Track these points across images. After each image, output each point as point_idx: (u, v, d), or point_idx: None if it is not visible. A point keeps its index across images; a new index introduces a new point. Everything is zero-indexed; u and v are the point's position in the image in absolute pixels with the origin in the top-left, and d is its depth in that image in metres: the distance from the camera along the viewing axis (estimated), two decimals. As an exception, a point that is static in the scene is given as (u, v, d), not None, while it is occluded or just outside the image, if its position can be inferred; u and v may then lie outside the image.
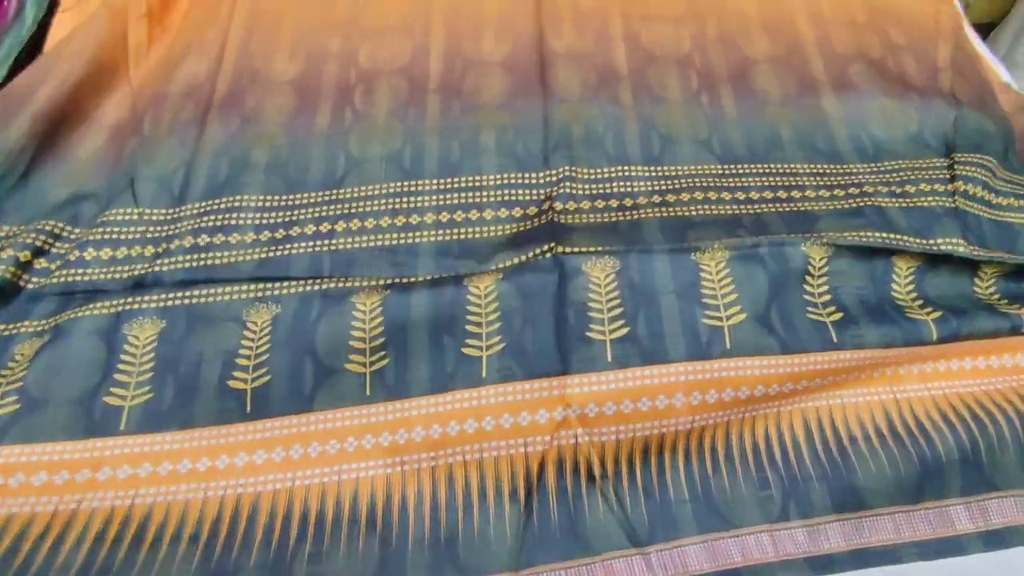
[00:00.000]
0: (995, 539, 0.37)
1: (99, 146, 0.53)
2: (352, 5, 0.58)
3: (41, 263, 0.48)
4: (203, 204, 0.50)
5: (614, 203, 0.50)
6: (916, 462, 0.38)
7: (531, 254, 0.45)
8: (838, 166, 0.52)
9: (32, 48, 0.84)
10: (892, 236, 0.45)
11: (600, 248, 0.44)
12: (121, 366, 0.42)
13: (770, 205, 0.48)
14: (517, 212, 0.50)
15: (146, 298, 0.44)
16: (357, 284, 0.45)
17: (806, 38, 0.57)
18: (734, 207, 0.48)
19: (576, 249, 0.44)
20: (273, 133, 0.53)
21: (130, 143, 0.53)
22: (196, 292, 0.45)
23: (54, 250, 0.48)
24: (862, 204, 0.48)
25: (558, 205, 0.49)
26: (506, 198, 0.50)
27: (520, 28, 0.57)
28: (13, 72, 0.97)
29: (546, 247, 0.45)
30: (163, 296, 0.44)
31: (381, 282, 0.45)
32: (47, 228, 0.48)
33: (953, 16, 0.60)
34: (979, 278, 0.46)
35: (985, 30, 1.27)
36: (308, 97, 0.54)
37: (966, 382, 0.41)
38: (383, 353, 0.42)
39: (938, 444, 0.39)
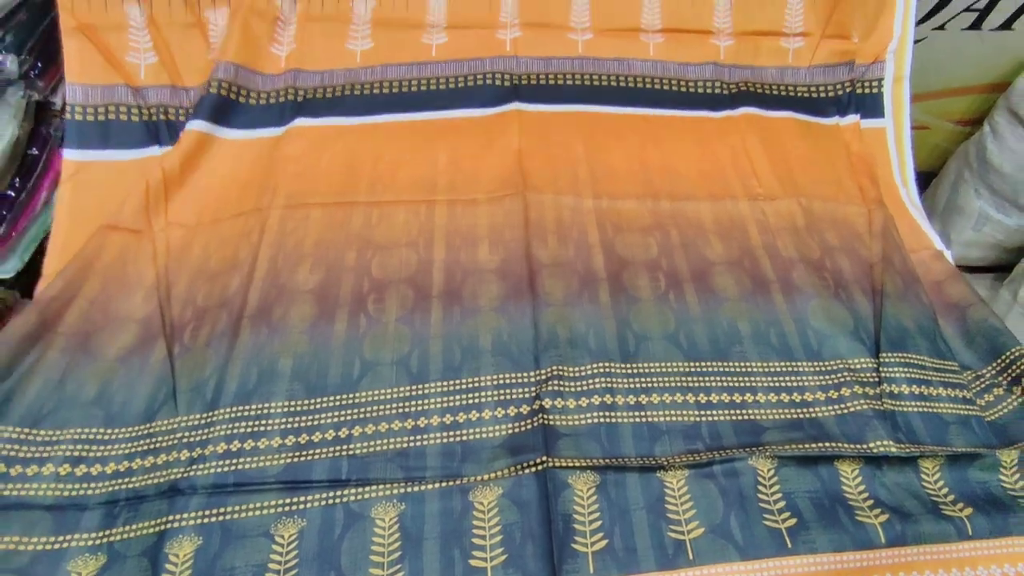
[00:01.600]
0: None
1: (129, 344, 0.60)
2: (365, 223, 0.67)
3: (82, 469, 0.53)
4: (234, 410, 0.56)
5: (596, 400, 0.58)
6: None
7: (525, 465, 0.52)
8: (788, 363, 0.60)
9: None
10: (829, 445, 0.52)
11: (584, 462, 0.52)
12: (164, 585, 0.46)
13: (726, 411, 0.56)
14: (512, 411, 0.57)
15: (185, 515, 0.50)
16: (374, 495, 0.51)
17: (755, 243, 0.67)
18: (696, 413, 0.56)
19: (564, 463, 0.52)
20: (297, 340, 0.60)
21: (159, 344, 0.59)
22: (229, 508, 0.51)
23: (91, 454, 0.53)
24: (801, 417, 0.56)
25: (547, 403, 0.57)
26: (502, 398, 0.58)
27: (510, 239, 0.66)
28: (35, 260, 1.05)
29: (538, 460, 0.52)
30: (201, 512, 0.50)
31: (396, 490, 0.52)
32: (84, 436, 0.54)
33: (884, 215, 0.70)
34: (924, 473, 0.53)
35: (926, 178, 1.42)
36: (327, 305, 0.63)
37: None
38: (399, 567, 0.48)
39: None
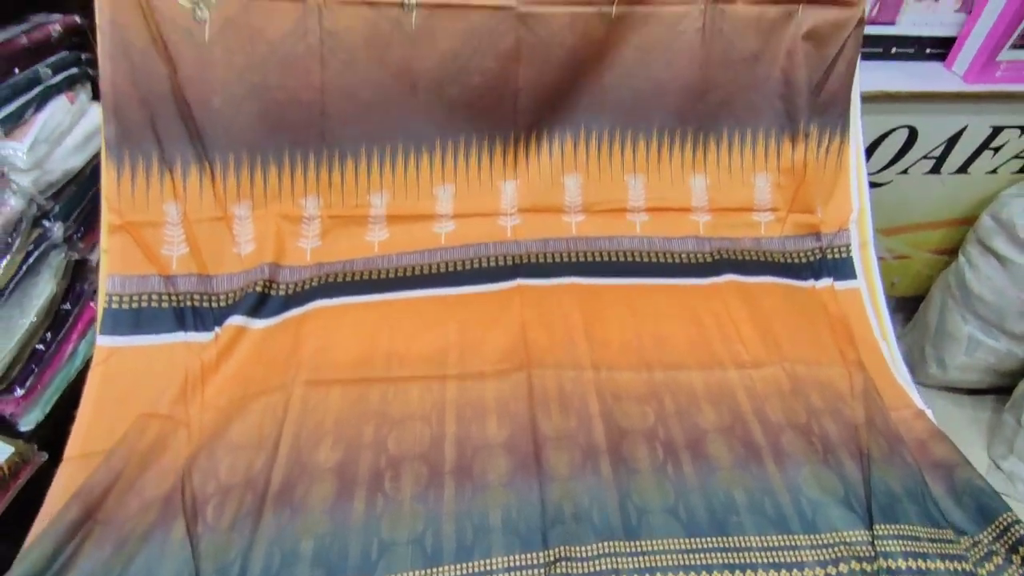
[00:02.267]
0: None
1: (151, 520, 0.63)
2: (382, 399, 0.73)
3: None
4: None
5: None
6: None
7: None
8: (785, 537, 0.62)
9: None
10: None
11: None
12: None
13: None
14: None
15: None
16: None
17: (745, 409, 0.72)
18: None
19: None
20: (318, 521, 0.64)
21: (179, 522, 0.62)
22: None
23: None
24: None
25: (556, 586, 0.59)
26: None
27: (516, 412, 0.71)
28: (56, 410, 1.09)
29: None
30: None
31: None
32: None
33: (864, 378, 0.75)
34: None
35: (912, 304, 1.50)
36: (346, 483, 0.67)
37: None
38: None
39: None
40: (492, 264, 0.86)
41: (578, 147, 0.90)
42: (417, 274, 0.86)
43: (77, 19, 1.01)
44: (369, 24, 0.80)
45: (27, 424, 1.05)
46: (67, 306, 1.17)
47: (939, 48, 1.21)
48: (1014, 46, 1.13)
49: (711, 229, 0.89)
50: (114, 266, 0.78)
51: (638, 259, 0.87)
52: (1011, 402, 1.32)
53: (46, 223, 1.09)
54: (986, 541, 0.64)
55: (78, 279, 1.19)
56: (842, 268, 0.87)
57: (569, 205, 0.91)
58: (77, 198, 1.16)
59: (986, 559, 0.62)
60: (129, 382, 0.74)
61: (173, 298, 0.78)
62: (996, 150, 1.26)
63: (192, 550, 0.61)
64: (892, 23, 1.18)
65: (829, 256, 0.88)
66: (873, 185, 1.29)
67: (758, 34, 0.86)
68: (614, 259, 0.87)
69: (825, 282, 0.86)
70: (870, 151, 1.25)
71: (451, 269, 0.86)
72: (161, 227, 0.81)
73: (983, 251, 1.30)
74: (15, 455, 0.99)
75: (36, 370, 1.08)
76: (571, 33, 0.83)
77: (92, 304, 1.19)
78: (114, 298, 0.76)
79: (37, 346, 1.09)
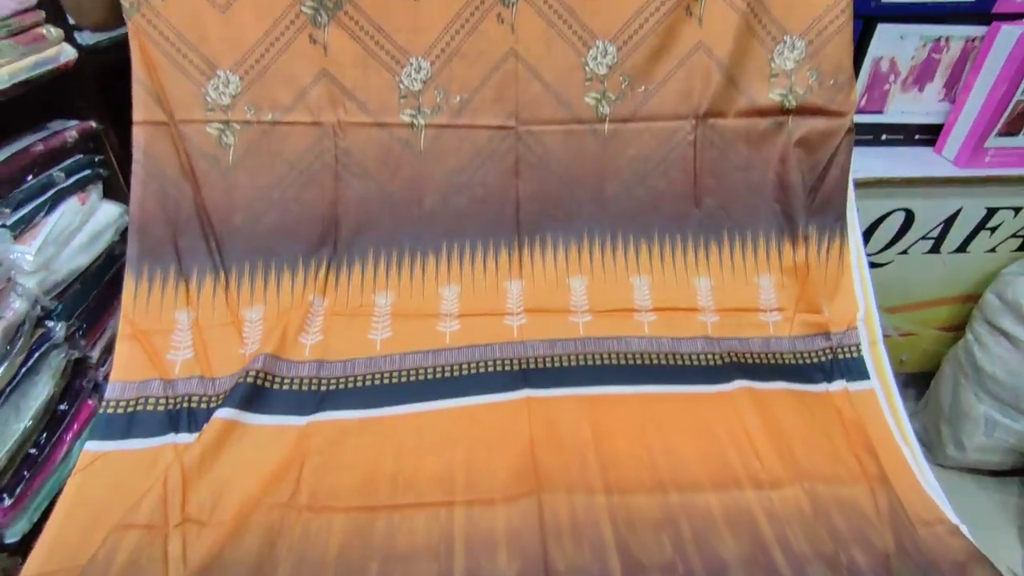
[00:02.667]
0: None
1: None
2: (387, 530, 0.69)
3: None
4: None
5: None
6: None
7: None
8: None
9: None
10: None
11: None
12: None
13: None
14: None
15: None
16: None
17: (766, 535, 0.68)
18: None
19: None
20: None
21: None
22: None
23: None
24: None
25: None
26: None
27: (527, 544, 0.67)
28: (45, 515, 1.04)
29: None
30: None
31: None
32: None
33: (889, 495, 0.71)
34: None
35: (921, 380, 1.47)
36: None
37: None
38: None
39: None
40: (499, 368, 0.84)
41: (582, 251, 0.92)
42: (421, 379, 0.84)
43: (93, 124, 1.04)
44: (381, 144, 0.85)
45: (13, 536, 1.00)
46: (64, 406, 1.13)
47: (927, 135, 1.25)
48: (1000, 133, 1.16)
49: (719, 329, 0.89)
50: (117, 374, 0.77)
51: (647, 362, 0.85)
52: (1038, 487, 1.27)
53: (49, 323, 1.07)
54: None
55: (77, 376, 1.16)
56: (855, 368, 0.85)
57: (575, 306, 0.90)
58: (81, 296, 1.15)
59: None
60: (108, 490, 0.70)
61: (171, 401, 0.77)
62: (992, 230, 1.28)
63: None
64: (881, 112, 1.22)
65: (840, 356, 0.86)
66: (874, 265, 1.30)
67: (749, 144, 0.89)
68: (623, 362, 0.85)
69: (838, 384, 0.84)
70: (869, 233, 1.26)
71: (456, 374, 0.84)
72: (170, 334, 0.81)
73: (991, 330, 1.28)
74: (-1, 572, 0.93)
75: (27, 476, 1.03)
76: (565, 149, 0.88)
77: (90, 402, 1.15)
78: (111, 404, 0.75)
79: (30, 451, 1.05)
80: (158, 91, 0.80)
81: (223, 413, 0.75)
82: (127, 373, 0.77)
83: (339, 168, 0.84)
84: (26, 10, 0.90)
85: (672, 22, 0.84)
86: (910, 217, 1.25)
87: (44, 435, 1.08)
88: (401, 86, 0.83)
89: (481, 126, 0.85)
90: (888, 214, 1.24)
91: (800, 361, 0.87)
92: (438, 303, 0.89)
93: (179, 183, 0.82)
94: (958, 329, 1.41)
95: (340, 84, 0.82)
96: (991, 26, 1.09)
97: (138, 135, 0.81)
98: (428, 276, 0.90)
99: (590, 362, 0.85)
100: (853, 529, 0.68)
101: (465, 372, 0.84)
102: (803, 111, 0.88)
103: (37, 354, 1.05)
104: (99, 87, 1.01)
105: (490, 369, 0.84)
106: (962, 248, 1.30)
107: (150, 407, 0.75)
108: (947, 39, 1.13)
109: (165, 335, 0.81)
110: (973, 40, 1.13)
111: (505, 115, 0.86)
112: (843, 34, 0.87)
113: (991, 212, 1.25)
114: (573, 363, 0.85)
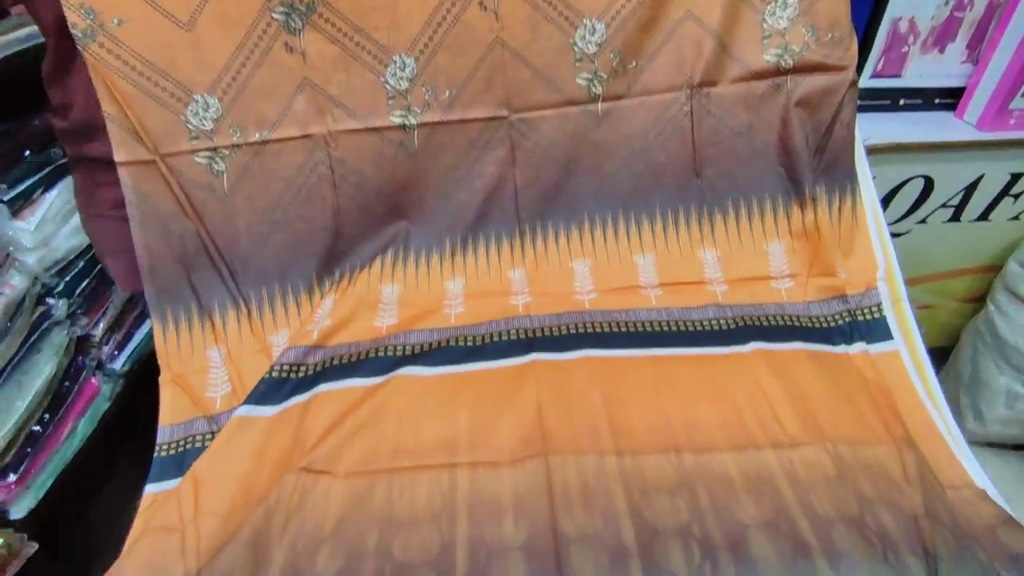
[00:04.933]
0: None
1: None
2: (387, 496, 0.67)
3: None
4: None
5: None
6: None
7: None
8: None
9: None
10: None
11: None
12: None
13: None
14: None
15: None
16: None
17: (788, 499, 0.65)
18: None
19: None
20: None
21: None
22: None
23: None
24: None
25: None
26: None
27: (534, 510, 0.65)
28: (51, 493, 1.03)
29: None
30: None
31: None
32: None
33: (917, 457, 0.68)
34: None
35: (940, 355, 1.43)
36: (347, 600, 0.60)
37: None
38: None
39: None
40: (505, 338, 0.82)
41: (583, 235, 0.90)
42: (425, 351, 0.81)
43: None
44: (375, 149, 0.82)
45: (18, 512, 1.00)
46: (67, 384, 1.12)
47: (948, 98, 1.20)
48: (1026, 94, 1.11)
49: (730, 298, 0.86)
50: (164, 418, 0.76)
51: (657, 328, 0.82)
52: (1063, 462, 1.23)
53: (50, 300, 1.06)
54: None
55: (80, 353, 1.15)
56: (876, 330, 0.81)
57: (579, 287, 0.89)
58: (82, 274, 1.14)
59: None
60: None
61: (215, 435, 0.75)
62: (1016, 196, 1.23)
63: None
64: (898, 75, 1.18)
65: (860, 318, 0.82)
66: (892, 236, 1.25)
67: (748, 109, 0.86)
68: (632, 329, 0.82)
69: (858, 346, 0.80)
70: (886, 202, 1.22)
71: (460, 344, 0.81)
72: (206, 373, 0.80)
73: (1013, 299, 1.24)
74: (2, 547, 0.92)
75: (31, 453, 1.03)
76: (561, 133, 0.85)
77: (93, 380, 1.15)
78: (163, 447, 0.74)
79: (34, 427, 1.04)
80: (135, 127, 0.74)
81: (241, 411, 0.74)
82: (172, 417, 0.76)
83: (336, 178, 0.82)
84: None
85: None
86: (929, 184, 1.20)
87: (48, 414, 1.07)
88: (387, 86, 0.80)
89: (473, 119, 0.83)
90: (906, 181, 1.20)
91: (817, 324, 0.83)
92: (443, 294, 0.88)
93: (179, 219, 0.79)
94: (978, 300, 1.36)
95: (324, 91, 0.79)
96: (1018, -21, 1.04)
97: (124, 176, 0.75)
98: (433, 271, 0.89)
99: (598, 330, 0.83)
100: (879, 491, 0.65)
101: (470, 343, 0.82)
102: (801, 69, 0.84)
103: (39, 331, 1.04)
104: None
105: (495, 339, 0.82)
106: (984, 216, 1.26)
107: (197, 444, 0.74)
108: (972, -6, 1.08)
109: (201, 375, 0.80)
110: (1000, -6, 1.07)
111: (496, 105, 0.83)
112: (838, -15, 0.83)
113: (1015, 178, 1.20)
114: (580, 331, 0.83)
